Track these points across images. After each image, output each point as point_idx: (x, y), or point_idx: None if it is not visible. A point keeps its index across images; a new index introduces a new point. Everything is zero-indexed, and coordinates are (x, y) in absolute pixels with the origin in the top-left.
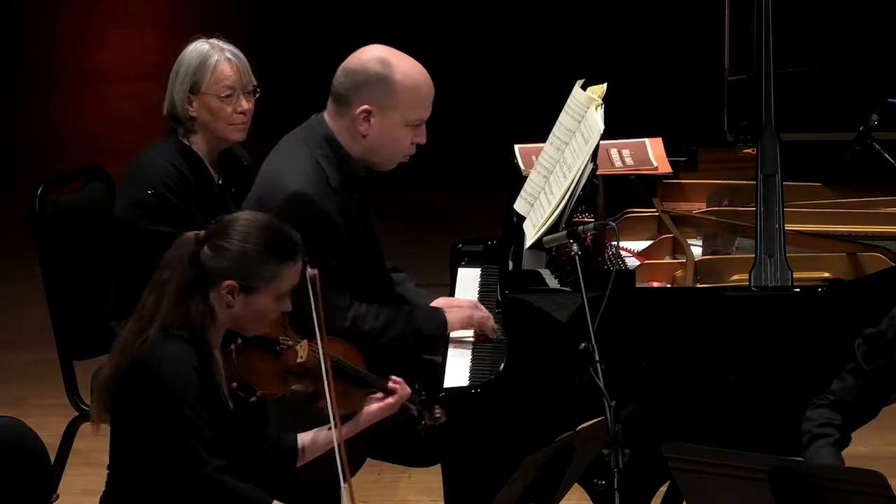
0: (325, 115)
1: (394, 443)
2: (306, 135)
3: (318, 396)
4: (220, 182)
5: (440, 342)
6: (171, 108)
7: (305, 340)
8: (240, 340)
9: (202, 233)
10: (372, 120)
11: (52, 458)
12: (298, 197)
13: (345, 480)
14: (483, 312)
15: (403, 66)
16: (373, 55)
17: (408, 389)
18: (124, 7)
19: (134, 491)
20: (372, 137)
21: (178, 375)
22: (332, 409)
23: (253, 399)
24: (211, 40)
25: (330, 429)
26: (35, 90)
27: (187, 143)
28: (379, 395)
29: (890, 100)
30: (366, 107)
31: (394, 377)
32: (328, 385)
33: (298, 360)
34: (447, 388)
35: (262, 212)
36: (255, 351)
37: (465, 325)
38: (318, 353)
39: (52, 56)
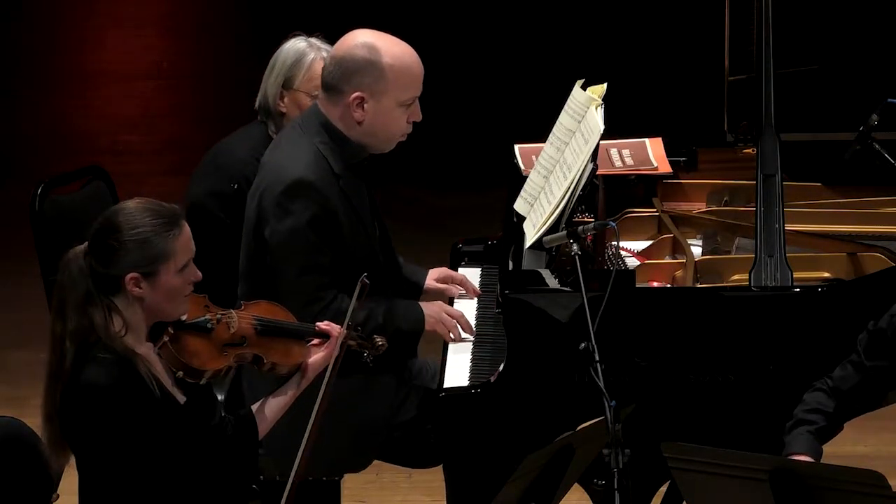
0: (320, 104)
1: (396, 445)
2: (304, 124)
3: (262, 359)
4: None
5: (417, 338)
6: (262, 101)
7: (233, 310)
8: (170, 329)
9: (85, 245)
10: (366, 106)
11: None
12: (301, 183)
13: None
14: (451, 319)
15: (391, 49)
16: (359, 41)
17: (337, 327)
18: (124, 7)
19: None
20: (368, 123)
21: (120, 397)
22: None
23: (202, 381)
24: (310, 39)
25: (276, 396)
26: (35, 90)
27: (275, 137)
28: (316, 341)
29: (890, 100)
30: (358, 94)
31: (318, 323)
32: (330, 373)
33: (232, 331)
34: (447, 388)
35: (263, 200)
36: (188, 334)
37: (435, 327)
38: (247, 320)
39: (53, 56)
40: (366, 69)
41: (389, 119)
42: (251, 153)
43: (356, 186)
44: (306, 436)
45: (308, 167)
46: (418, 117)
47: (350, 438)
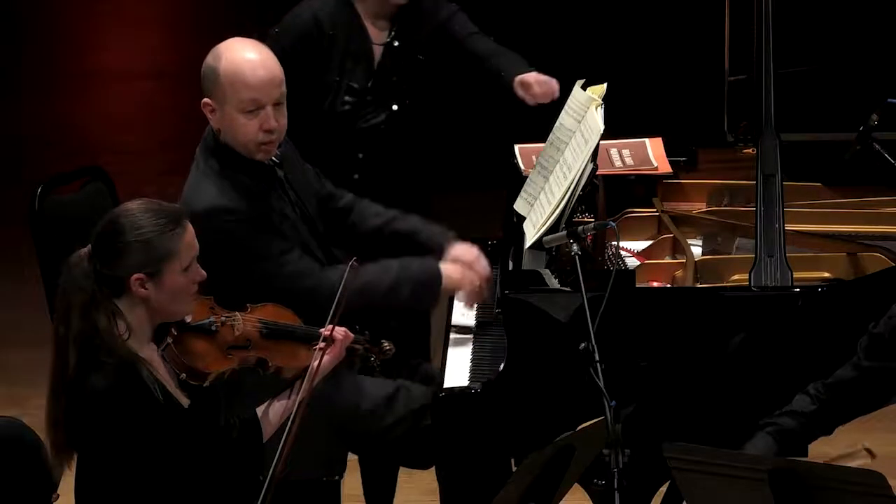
0: None
1: (392, 445)
2: (199, 156)
3: (266, 362)
4: (391, 38)
5: (433, 293)
6: None
7: (237, 313)
8: (173, 331)
9: (88, 248)
10: (216, 113)
11: None
12: (211, 211)
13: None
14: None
15: (229, 54)
16: (215, 48)
17: (343, 330)
18: (124, 7)
19: None
20: (223, 130)
21: (122, 403)
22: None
23: (206, 384)
24: None
25: (280, 399)
26: (35, 90)
27: None
28: (321, 345)
29: (890, 100)
30: (205, 100)
31: (322, 329)
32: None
33: (236, 334)
34: (447, 388)
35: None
36: (192, 336)
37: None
38: (252, 323)
39: (52, 56)
40: (208, 75)
41: (235, 126)
42: (311, 12)
43: (271, 197)
44: (285, 436)
45: (214, 195)
46: (271, 124)
47: (327, 437)
